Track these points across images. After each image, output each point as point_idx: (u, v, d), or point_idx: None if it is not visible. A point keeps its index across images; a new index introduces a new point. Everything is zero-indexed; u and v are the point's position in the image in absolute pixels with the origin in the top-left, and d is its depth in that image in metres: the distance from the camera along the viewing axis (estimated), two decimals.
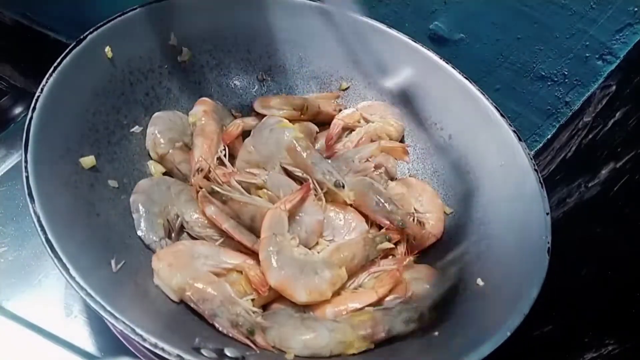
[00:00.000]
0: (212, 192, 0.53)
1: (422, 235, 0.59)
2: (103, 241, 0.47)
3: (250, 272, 0.50)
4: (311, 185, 0.56)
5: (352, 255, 0.53)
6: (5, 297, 0.61)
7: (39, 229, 0.40)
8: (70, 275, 0.39)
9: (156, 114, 0.61)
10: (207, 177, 0.56)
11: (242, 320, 0.46)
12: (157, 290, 0.48)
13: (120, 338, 0.54)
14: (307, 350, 0.46)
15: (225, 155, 0.60)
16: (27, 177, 0.42)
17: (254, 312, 0.48)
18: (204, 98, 0.65)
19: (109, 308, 0.38)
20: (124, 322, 0.38)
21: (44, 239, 0.40)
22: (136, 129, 0.59)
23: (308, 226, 0.54)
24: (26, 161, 0.43)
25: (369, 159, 0.63)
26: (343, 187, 0.56)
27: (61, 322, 0.60)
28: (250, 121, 0.66)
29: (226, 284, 0.49)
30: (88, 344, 0.58)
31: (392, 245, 0.55)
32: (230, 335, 0.45)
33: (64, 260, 0.39)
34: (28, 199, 0.41)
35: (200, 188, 0.54)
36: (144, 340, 0.37)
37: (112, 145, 0.55)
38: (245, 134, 0.64)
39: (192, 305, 0.47)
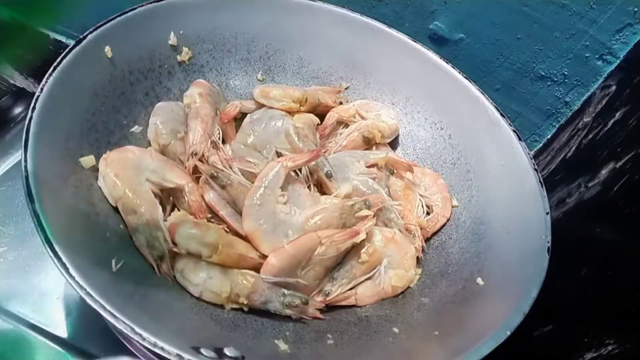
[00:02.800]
0: (213, 177, 0.53)
1: (432, 220, 0.61)
2: (103, 241, 0.47)
3: (190, 196, 0.53)
4: (304, 172, 0.58)
5: (327, 222, 0.53)
6: (5, 297, 0.61)
7: (38, 229, 0.40)
8: (70, 275, 0.39)
9: (158, 104, 0.61)
10: (201, 161, 0.56)
11: (157, 244, 0.49)
12: (157, 289, 0.48)
13: (120, 338, 0.54)
14: (204, 291, 0.49)
15: (219, 139, 0.61)
16: (26, 177, 0.42)
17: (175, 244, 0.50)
18: (199, 80, 0.65)
19: (108, 307, 0.38)
20: (123, 322, 0.38)
21: (43, 239, 0.40)
22: (136, 128, 0.59)
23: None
24: (26, 161, 0.43)
25: (373, 166, 0.63)
26: (331, 177, 0.58)
27: (61, 322, 0.60)
28: (248, 104, 0.66)
29: (159, 208, 0.51)
30: (88, 344, 0.59)
31: (370, 213, 0.55)
32: (142, 252, 0.49)
33: (64, 260, 0.39)
34: (28, 199, 0.41)
35: (195, 171, 0.55)
36: (144, 339, 0.37)
37: (112, 145, 0.55)
38: (237, 120, 0.65)
39: (121, 213, 0.50)
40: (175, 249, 0.49)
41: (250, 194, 0.53)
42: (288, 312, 0.49)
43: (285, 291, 0.50)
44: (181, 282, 0.49)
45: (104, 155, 0.52)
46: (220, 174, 0.54)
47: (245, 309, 0.50)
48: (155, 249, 0.49)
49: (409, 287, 0.56)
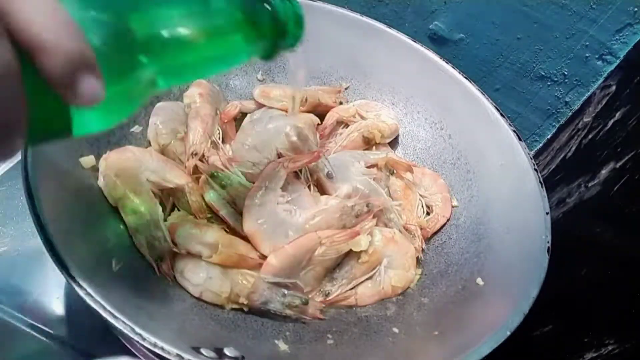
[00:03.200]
0: (213, 177, 0.53)
1: (432, 220, 0.61)
2: (103, 241, 0.47)
3: (191, 197, 0.53)
4: (304, 172, 0.58)
5: (327, 223, 0.53)
6: (5, 296, 0.61)
7: (38, 229, 0.40)
8: (70, 275, 0.39)
9: (159, 104, 0.61)
10: (201, 160, 0.56)
11: (157, 244, 0.49)
12: (157, 289, 0.48)
13: (120, 338, 0.54)
14: (204, 291, 0.49)
15: (220, 139, 0.61)
16: (26, 177, 0.42)
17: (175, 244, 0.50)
18: (199, 80, 0.65)
19: (108, 308, 0.38)
20: (123, 322, 0.38)
21: (43, 239, 0.40)
22: (136, 128, 0.59)
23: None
24: (26, 161, 0.43)
25: (373, 166, 0.63)
26: (332, 178, 0.58)
27: (61, 322, 0.60)
28: (248, 104, 0.66)
29: (159, 208, 0.51)
30: (88, 344, 0.58)
31: (371, 214, 0.55)
32: (142, 252, 0.49)
33: (64, 260, 0.39)
34: (28, 199, 0.41)
35: (195, 171, 0.55)
36: (144, 339, 0.37)
37: (112, 145, 0.55)
38: (237, 120, 0.65)
39: (121, 213, 0.50)
40: (175, 249, 0.49)
41: (250, 194, 0.53)
42: (288, 312, 0.49)
43: (285, 291, 0.50)
44: (181, 282, 0.49)
45: (104, 156, 0.52)
46: (220, 174, 0.54)
47: (245, 309, 0.50)
48: (155, 249, 0.49)
49: (409, 287, 0.56)
